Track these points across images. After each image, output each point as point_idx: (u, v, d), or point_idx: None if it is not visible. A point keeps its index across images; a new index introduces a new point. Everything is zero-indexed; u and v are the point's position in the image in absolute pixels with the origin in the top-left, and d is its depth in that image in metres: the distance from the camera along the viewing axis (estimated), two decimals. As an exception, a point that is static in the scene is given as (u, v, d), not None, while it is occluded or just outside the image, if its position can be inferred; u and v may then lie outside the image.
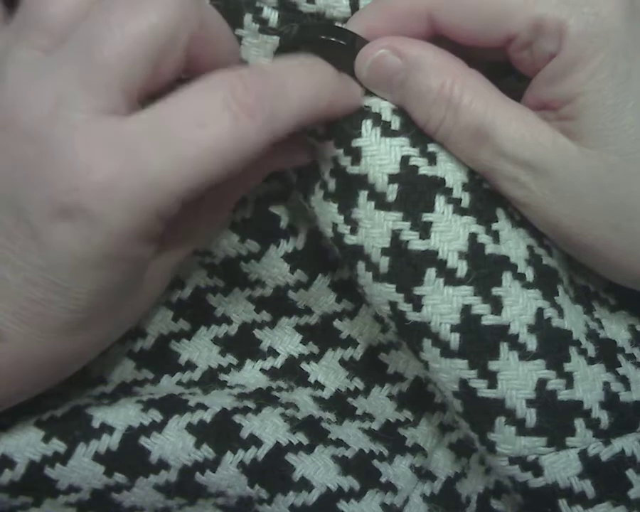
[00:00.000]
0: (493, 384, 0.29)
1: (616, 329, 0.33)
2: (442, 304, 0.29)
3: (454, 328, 0.29)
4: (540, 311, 0.29)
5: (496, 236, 0.30)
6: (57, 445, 0.30)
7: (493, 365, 0.29)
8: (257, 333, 0.36)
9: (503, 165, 0.29)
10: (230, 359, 0.36)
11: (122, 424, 0.31)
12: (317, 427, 0.34)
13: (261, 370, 0.36)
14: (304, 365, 0.36)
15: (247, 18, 0.31)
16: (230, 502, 0.32)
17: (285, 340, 0.36)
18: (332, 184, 0.31)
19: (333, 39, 0.30)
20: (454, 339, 0.29)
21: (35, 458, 0.29)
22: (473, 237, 0.29)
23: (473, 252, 0.29)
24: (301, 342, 0.36)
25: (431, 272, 0.29)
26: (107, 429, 0.30)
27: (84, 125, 0.25)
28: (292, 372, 0.36)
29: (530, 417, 0.29)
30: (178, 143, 0.25)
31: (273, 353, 0.36)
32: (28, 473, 0.29)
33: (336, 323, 0.36)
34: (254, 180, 0.32)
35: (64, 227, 0.25)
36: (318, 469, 0.32)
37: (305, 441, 0.33)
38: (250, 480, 0.32)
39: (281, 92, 0.27)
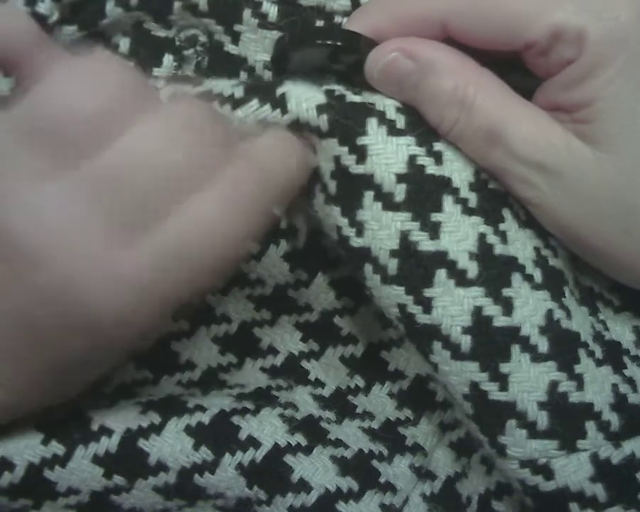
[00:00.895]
0: (504, 387, 0.29)
1: (621, 330, 0.33)
2: (453, 305, 0.29)
3: (465, 331, 0.29)
4: (549, 313, 0.29)
5: (503, 236, 0.30)
6: (57, 448, 0.29)
7: (504, 368, 0.29)
8: (256, 331, 0.35)
9: (515, 166, 0.29)
10: (230, 358, 0.35)
11: (121, 426, 0.30)
12: (316, 427, 0.34)
13: (261, 368, 0.35)
14: (304, 363, 0.36)
15: (246, 13, 0.31)
16: (228, 503, 0.32)
17: (285, 338, 0.35)
18: (333, 186, 0.30)
19: (330, 42, 0.30)
20: (465, 341, 0.29)
21: (34, 460, 0.29)
22: (482, 237, 0.29)
23: (483, 252, 0.29)
24: (301, 340, 0.36)
25: (441, 273, 0.29)
26: (105, 431, 0.30)
27: (101, 263, 0.24)
28: (292, 370, 0.36)
29: (542, 419, 0.29)
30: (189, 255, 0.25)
31: (273, 351, 0.35)
32: (27, 476, 0.29)
33: (337, 320, 0.35)
34: None
35: (78, 340, 0.25)
36: (316, 470, 0.32)
37: (303, 442, 0.32)
38: (249, 481, 0.31)
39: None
